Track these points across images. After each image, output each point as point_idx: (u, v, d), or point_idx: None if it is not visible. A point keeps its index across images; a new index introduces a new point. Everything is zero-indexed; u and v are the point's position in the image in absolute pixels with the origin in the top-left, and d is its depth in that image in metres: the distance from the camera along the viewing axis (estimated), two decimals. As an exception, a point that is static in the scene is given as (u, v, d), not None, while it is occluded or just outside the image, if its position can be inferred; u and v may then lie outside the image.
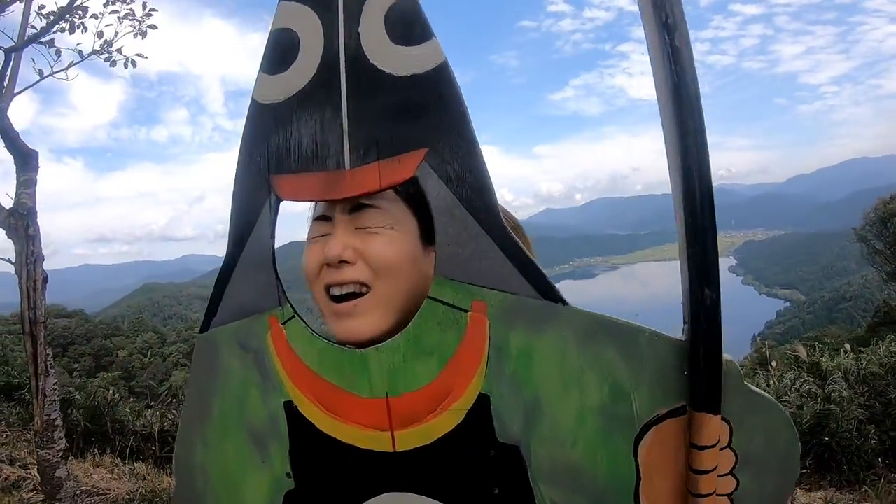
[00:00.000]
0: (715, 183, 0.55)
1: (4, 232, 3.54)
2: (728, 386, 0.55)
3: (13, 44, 3.76)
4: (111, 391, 6.85)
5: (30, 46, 3.88)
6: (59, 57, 4.10)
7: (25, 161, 3.71)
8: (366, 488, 0.65)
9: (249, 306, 0.69)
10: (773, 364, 6.03)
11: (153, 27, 4.20)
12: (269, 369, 0.68)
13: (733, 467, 0.58)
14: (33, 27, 3.86)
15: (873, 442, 4.32)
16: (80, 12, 4.00)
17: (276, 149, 0.66)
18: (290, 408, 0.67)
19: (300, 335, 0.66)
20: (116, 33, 4.16)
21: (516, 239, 0.58)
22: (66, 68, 4.14)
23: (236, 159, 0.70)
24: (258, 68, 0.68)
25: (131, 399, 7.61)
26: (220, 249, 0.73)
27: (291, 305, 0.66)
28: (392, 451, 0.62)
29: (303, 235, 0.74)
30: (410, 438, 0.61)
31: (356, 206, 0.66)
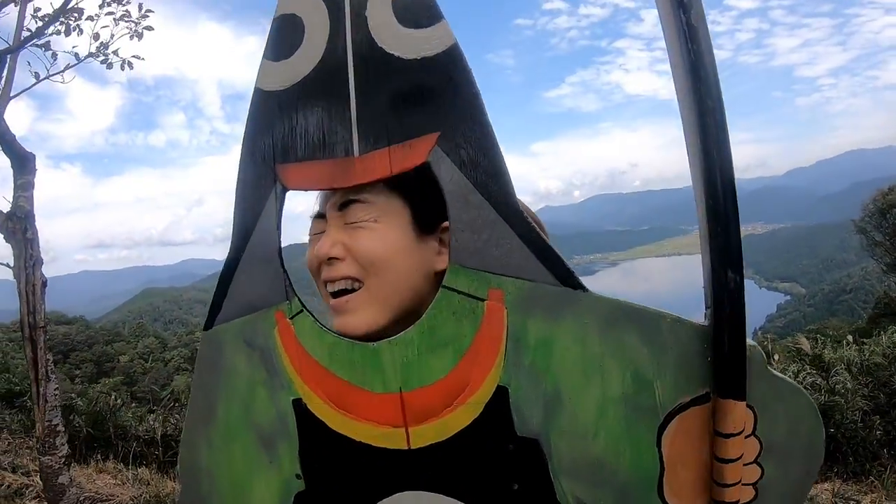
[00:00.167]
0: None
1: (2, 236, 3.52)
2: (752, 372, 0.54)
3: (8, 46, 3.74)
4: (113, 397, 6.86)
5: (26, 50, 3.86)
6: (55, 60, 4.10)
7: (22, 164, 3.69)
8: (379, 488, 0.63)
9: (255, 301, 0.67)
10: (776, 357, 6.01)
11: (149, 28, 4.18)
12: (277, 366, 0.66)
13: (758, 455, 0.57)
14: (28, 30, 3.83)
15: (878, 433, 4.32)
16: (75, 14, 3.98)
17: (281, 137, 0.64)
18: (299, 406, 0.65)
19: (309, 330, 0.64)
20: (112, 35, 4.15)
21: (533, 224, 0.57)
22: (63, 71, 4.13)
23: (239, 151, 0.68)
24: (258, 64, 0.66)
25: (133, 404, 7.62)
26: (219, 253, 0.71)
27: (300, 299, 0.64)
28: (406, 448, 0.60)
29: (304, 237, 0.73)
30: (426, 434, 0.60)
31: (345, 202, 0.64)
